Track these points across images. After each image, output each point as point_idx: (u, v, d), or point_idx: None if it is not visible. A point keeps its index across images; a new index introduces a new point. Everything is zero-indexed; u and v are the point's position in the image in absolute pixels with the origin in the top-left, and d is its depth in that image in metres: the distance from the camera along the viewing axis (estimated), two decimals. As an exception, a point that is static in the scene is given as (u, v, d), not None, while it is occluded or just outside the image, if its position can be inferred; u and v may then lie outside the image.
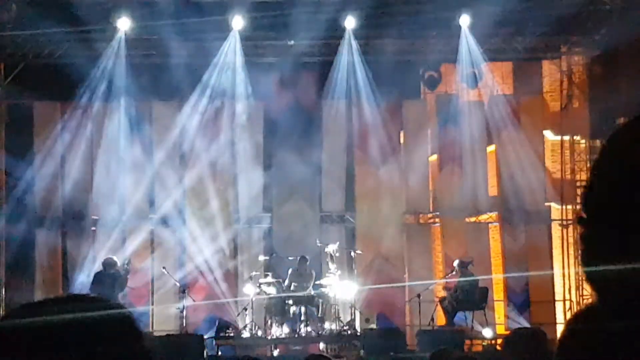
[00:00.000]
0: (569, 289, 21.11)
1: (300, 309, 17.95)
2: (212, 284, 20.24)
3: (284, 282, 18.48)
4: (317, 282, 18.35)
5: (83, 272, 20.15)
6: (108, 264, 18.16)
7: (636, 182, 1.51)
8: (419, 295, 18.69)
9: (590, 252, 1.62)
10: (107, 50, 20.32)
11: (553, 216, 21.70)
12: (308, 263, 18.75)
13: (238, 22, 20.06)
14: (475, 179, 21.38)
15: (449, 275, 19.38)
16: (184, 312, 18.66)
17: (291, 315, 17.97)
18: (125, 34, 20.18)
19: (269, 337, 17.98)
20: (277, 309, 18.12)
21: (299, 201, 21.09)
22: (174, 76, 20.27)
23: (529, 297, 21.15)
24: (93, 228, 20.79)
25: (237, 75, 20.77)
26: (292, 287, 18.37)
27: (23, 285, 20.31)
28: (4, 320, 1.71)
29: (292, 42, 20.32)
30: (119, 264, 18.28)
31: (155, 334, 18.07)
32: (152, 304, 20.20)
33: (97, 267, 19.34)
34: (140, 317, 17.97)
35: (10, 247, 20.40)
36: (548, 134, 21.97)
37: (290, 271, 18.68)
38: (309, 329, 17.82)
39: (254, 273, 18.67)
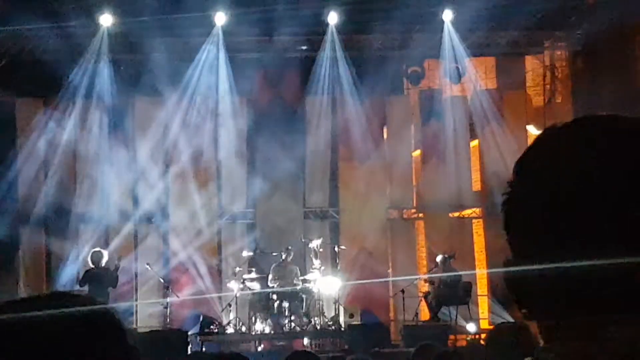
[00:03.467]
0: (552, 284, 21.15)
1: (284, 304, 17.95)
2: (196, 280, 20.23)
3: (267, 277, 18.49)
4: (302, 278, 18.36)
5: (67, 269, 20.12)
6: (96, 257, 18.03)
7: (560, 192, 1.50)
8: (402, 291, 18.73)
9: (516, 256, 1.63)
10: (90, 47, 20.27)
11: (536, 211, 21.73)
12: (292, 256, 18.73)
13: (220, 18, 20.05)
14: (459, 174, 21.43)
15: (432, 270, 19.41)
16: (168, 309, 18.64)
17: (275, 311, 17.97)
18: (108, 30, 20.13)
19: (253, 333, 17.99)
20: (261, 305, 18.13)
21: (282, 197, 21.09)
22: (157, 72, 20.24)
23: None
24: (76, 225, 20.73)
25: (220, 71, 20.75)
26: (275, 280, 18.37)
27: (6, 282, 20.23)
28: None
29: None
30: (106, 257, 18.17)
31: (139, 330, 18.05)
32: (136, 301, 20.16)
33: (82, 263, 19.32)
34: (124, 313, 17.92)
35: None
36: (531, 129, 22.00)
37: (273, 265, 18.68)
38: (293, 324, 17.83)
39: (237, 269, 18.64)
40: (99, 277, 17.68)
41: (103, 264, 17.96)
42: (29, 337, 1.64)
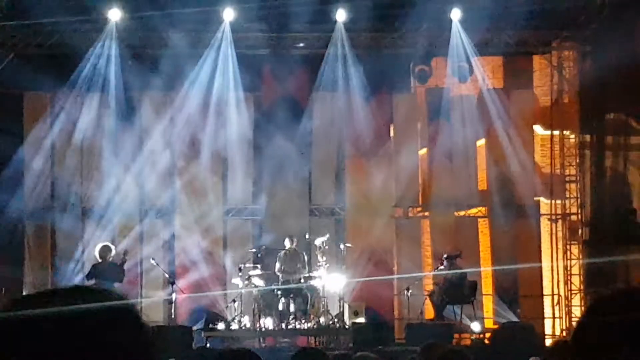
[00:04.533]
0: (557, 283, 21.16)
1: (289, 301, 17.97)
2: (201, 276, 20.24)
3: (273, 274, 18.50)
4: (306, 275, 18.37)
5: (72, 262, 20.15)
6: (103, 252, 18.05)
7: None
8: (407, 289, 18.75)
9: None
10: (98, 40, 20.26)
11: (542, 211, 21.74)
12: (295, 243, 18.75)
13: (229, 14, 20.04)
14: (465, 172, 21.43)
15: (438, 269, 19.41)
16: (173, 304, 18.66)
17: (280, 308, 17.99)
18: (116, 25, 20.13)
19: (258, 329, 18.00)
20: (266, 301, 18.14)
21: (288, 193, 21.09)
22: (165, 67, 20.24)
23: (517, 291, 21.20)
24: (83, 219, 20.77)
25: (227, 67, 20.73)
26: (283, 269, 18.39)
27: (12, 274, 20.26)
28: (6, 311, 1.71)
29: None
30: (114, 251, 18.21)
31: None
32: (141, 296, 20.18)
33: (88, 256, 19.37)
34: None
35: (0, 240, 20.32)
36: (538, 129, 21.99)
37: (279, 255, 18.69)
38: (297, 321, 17.85)
39: (243, 265, 18.65)
40: (106, 272, 17.72)
41: (110, 259, 17.99)
42: (51, 332, 1.66)
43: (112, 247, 18.36)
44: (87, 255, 19.72)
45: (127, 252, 18.45)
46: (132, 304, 1.78)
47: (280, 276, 18.46)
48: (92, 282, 17.46)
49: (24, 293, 20.15)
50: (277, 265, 18.61)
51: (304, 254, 18.88)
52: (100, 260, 17.97)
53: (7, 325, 1.67)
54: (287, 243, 18.76)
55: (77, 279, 19.65)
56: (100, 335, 1.67)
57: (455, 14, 20.29)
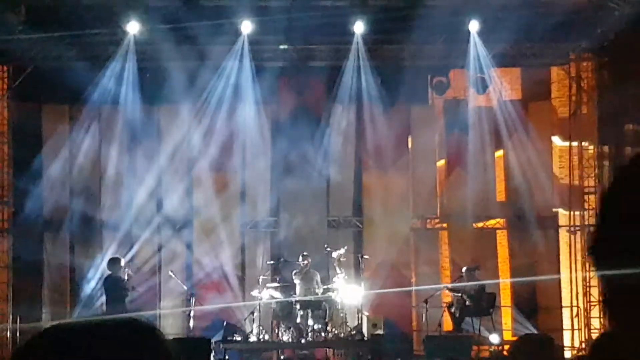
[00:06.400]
0: (576, 295, 21.07)
1: (307, 313, 17.95)
2: (219, 288, 20.26)
3: (291, 286, 18.49)
4: (325, 287, 18.35)
5: (91, 277, 20.21)
6: (111, 264, 18.16)
7: None
8: (426, 301, 18.70)
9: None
10: (115, 54, 20.32)
11: (561, 222, 21.67)
12: (309, 261, 18.74)
13: (247, 26, 20.06)
14: (483, 184, 21.39)
15: (457, 280, 19.37)
16: (191, 316, 18.68)
17: (298, 320, 17.97)
18: (134, 38, 20.19)
19: (276, 341, 17.99)
20: (284, 314, 18.13)
21: (306, 205, 21.08)
22: (182, 80, 20.29)
23: (536, 303, 21.13)
24: (101, 234, 20.83)
25: (244, 80, 20.75)
26: (298, 287, 18.37)
27: (31, 289, 20.35)
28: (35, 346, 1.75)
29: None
30: (122, 264, 18.27)
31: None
32: (160, 309, 20.21)
33: (102, 271, 19.48)
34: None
35: (18, 251, 20.39)
36: (556, 140, 21.94)
37: (295, 272, 18.69)
38: (315, 333, 17.82)
39: (261, 277, 18.66)
40: (117, 284, 17.81)
41: (119, 272, 18.05)
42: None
43: (122, 259, 18.43)
44: (102, 270, 19.84)
45: (129, 265, 18.50)
46: (159, 332, 1.83)
47: (298, 292, 18.39)
48: (107, 294, 17.67)
49: (43, 307, 20.35)
50: (295, 281, 18.58)
51: (318, 274, 18.82)
52: (110, 272, 18.06)
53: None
54: (301, 261, 18.71)
55: (95, 291, 19.80)
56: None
57: (473, 26, 20.27)
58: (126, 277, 18.11)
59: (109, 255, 19.86)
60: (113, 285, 17.89)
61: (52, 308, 20.51)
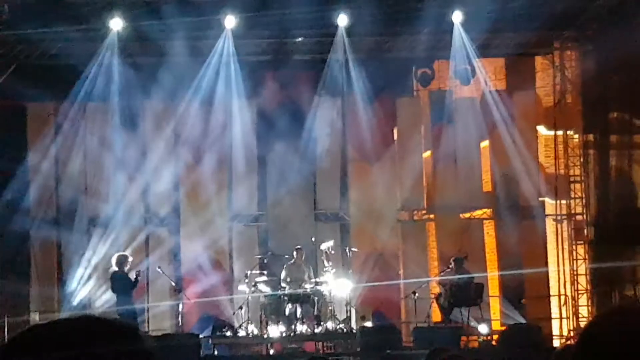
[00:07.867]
0: (563, 284, 21.13)
1: (295, 307, 17.96)
2: (207, 283, 20.23)
3: (279, 280, 18.49)
4: (313, 280, 18.36)
5: (78, 271, 20.16)
6: (119, 261, 18.01)
7: None
8: (414, 292, 18.72)
9: None
10: (100, 50, 20.26)
11: (547, 211, 21.72)
12: (303, 256, 18.75)
13: (230, 21, 20.04)
14: (469, 175, 21.42)
15: (445, 271, 19.39)
16: (180, 312, 18.66)
17: (287, 314, 17.97)
18: (118, 34, 20.13)
19: (265, 336, 17.99)
20: (272, 308, 18.13)
21: (293, 199, 21.09)
22: (167, 75, 20.24)
23: (523, 293, 21.18)
24: (88, 228, 20.77)
25: (230, 74, 20.72)
26: (288, 280, 18.37)
27: (18, 283, 20.28)
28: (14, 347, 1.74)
29: None
30: (130, 262, 18.13)
31: (152, 333, 18.04)
32: (148, 303, 20.18)
33: (95, 266, 19.44)
34: (134, 316, 17.91)
35: (5, 246, 20.33)
36: (541, 129, 21.98)
37: (285, 265, 18.68)
38: (304, 327, 17.83)
39: (249, 271, 18.65)
40: (124, 280, 17.75)
41: (126, 269, 17.95)
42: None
43: (130, 257, 18.30)
44: (95, 267, 19.78)
45: (140, 272, 18.35)
46: (144, 335, 1.83)
47: (286, 287, 18.39)
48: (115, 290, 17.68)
49: (31, 309, 20.29)
50: (283, 274, 18.58)
51: (311, 267, 18.86)
52: (117, 269, 17.92)
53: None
54: (294, 254, 18.73)
55: (84, 292, 19.77)
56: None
57: (457, 17, 20.28)
58: (134, 277, 17.87)
59: (96, 250, 19.84)
60: (120, 281, 17.79)
61: (40, 304, 20.50)
